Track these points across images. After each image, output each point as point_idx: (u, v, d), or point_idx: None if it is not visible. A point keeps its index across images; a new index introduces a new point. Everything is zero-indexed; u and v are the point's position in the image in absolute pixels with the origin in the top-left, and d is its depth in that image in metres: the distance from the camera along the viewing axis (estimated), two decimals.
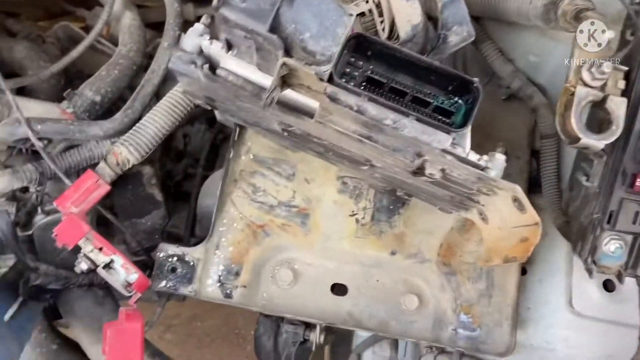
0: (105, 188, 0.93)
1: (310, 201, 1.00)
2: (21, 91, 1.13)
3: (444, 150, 0.70)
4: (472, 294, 0.94)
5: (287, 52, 0.64)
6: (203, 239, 1.38)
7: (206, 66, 0.72)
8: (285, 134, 0.85)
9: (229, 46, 0.70)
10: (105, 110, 1.14)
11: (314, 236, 0.99)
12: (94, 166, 0.99)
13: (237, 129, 1.01)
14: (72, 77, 1.29)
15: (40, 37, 1.34)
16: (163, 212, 1.19)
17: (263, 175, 1.01)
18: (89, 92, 1.11)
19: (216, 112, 0.97)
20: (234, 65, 0.68)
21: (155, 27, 1.35)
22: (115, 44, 1.35)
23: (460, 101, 0.72)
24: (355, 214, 0.99)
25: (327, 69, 0.65)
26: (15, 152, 1.03)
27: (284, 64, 0.62)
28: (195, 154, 1.44)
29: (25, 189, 0.97)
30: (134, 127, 0.98)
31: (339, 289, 0.99)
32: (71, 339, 1.15)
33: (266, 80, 0.68)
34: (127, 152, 0.95)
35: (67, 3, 1.56)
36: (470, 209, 0.85)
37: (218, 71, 0.69)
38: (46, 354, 1.10)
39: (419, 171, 0.77)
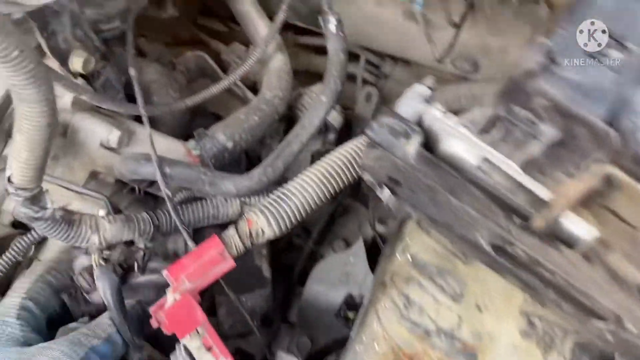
0: (229, 263, 0.71)
1: (481, 337, 0.74)
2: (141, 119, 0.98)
3: None
4: None
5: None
6: (296, 327, 1.16)
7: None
8: (494, 252, 0.61)
9: (487, 127, 0.49)
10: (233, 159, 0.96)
11: None
12: (214, 227, 0.79)
13: (400, 221, 0.79)
14: (196, 114, 1.15)
15: (172, 63, 1.21)
16: (268, 293, 0.97)
17: (421, 285, 0.77)
18: (222, 135, 0.93)
19: (385, 194, 0.75)
20: (494, 156, 0.47)
21: None
22: (249, 87, 1.20)
23: None
24: None
25: None
26: (126, 191, 0.85)
27: (609, 176, 0.39)
28: (305, 224, 1.24)
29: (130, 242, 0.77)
30: (277, 193, 0.77)
31: None
32: None
33: (540, 190, 0.46)
34: (265, 222, 0.74)
35: (202, 32, 1.45)
36: None
37: (479, 164, 0.47)
38: None
39: None
